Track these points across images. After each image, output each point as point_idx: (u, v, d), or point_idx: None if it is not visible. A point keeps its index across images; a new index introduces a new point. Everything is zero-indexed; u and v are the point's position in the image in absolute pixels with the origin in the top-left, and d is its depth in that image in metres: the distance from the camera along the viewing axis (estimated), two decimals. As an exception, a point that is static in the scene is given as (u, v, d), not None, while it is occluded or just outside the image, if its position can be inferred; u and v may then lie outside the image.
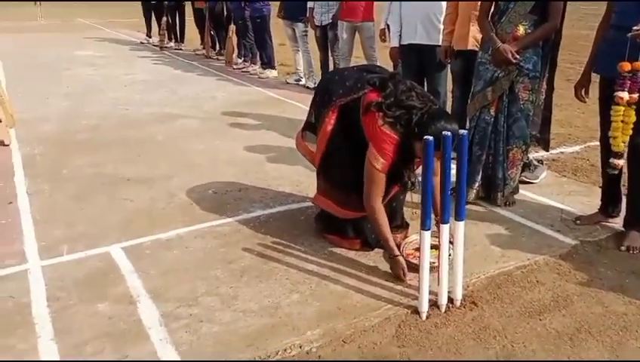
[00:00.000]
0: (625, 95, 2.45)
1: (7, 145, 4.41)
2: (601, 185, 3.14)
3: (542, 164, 3.66)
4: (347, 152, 2.62)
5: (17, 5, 18.86)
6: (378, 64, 5.50)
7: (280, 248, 2.79)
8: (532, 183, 3.52)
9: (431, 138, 2.04)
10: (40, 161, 4.14)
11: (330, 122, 2.61)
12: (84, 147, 4.49)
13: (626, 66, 2.42)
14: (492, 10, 3.06)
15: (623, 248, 2.70)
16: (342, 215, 2.72)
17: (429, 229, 2.13)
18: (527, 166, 3.54)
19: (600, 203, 2.98)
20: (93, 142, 4.64)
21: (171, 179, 3.74)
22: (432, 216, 2.23)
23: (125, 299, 2.36)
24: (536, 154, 3.72)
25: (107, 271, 2.60)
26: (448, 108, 4.20)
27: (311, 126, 2.79)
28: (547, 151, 3.51)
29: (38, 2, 16.25)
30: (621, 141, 2.53)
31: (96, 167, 4.02)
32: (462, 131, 2.09)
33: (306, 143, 2.82)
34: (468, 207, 3.16)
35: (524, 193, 3.37)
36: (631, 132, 2.52)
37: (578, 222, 2.94)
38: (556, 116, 4.92)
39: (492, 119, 3.08)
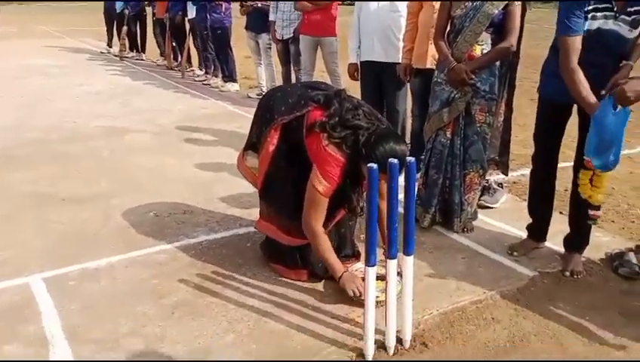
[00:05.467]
0: None
1: None
2: (562, 211, 3.04)
3: (502, 187, 3.53)
4: (291, 174, 2.43)
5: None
6: (341, 79, 5.40)
7: (220, 279, 2.56)
8: (491, 208, 3.38)
9: (375, 166, 1.86)
10: (-32, 178, 3.82)
11: (272, 142, 2.42)
12: (22, 162, 4.19)
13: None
14: (448, 28, 2.92)
15: (567, 273, 2.59)
16: (286, 242, 2.52)
17: (374, 265, 1.95)
18: (486, 189, 3.41)
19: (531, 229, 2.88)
20: (33, 156, 4.34)
21: (110, 200, 3.48)
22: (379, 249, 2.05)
23: (38, 340, 2.10)
24: (496, 176, 3.59)
25: (23, 306, 2.33)
26: (408, 128, 4.09)
27: (253, 145, 2.59)
28: (506, 175, 3.38)
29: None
30: (598, 194, 2.40)
31: (32, 184, 3.73)
32: (409, 158, 1.92)
33: (247, 164, 2.62)
34: (424, 233, 3.03)
35: (483, 218, 3.23)
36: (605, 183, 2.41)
37: (515, 253, 2.79)
38: (518, 136, 4.83)
39: (448, 142, 2.93)
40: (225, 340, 2.12)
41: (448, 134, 2.93)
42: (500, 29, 2.79)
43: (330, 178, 2.24)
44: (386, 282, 2.01)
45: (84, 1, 18.61)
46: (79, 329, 2.17)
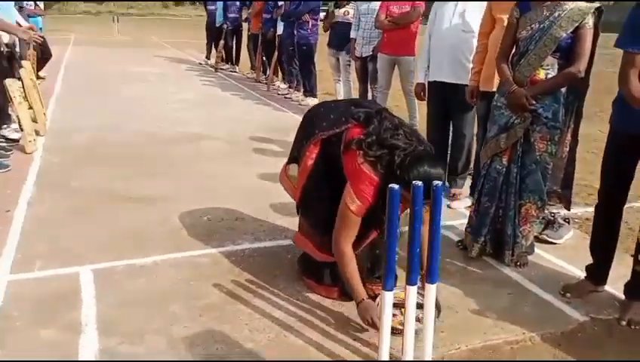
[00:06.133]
0: None
1: (29, 153, 4.51)
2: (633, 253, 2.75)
3: (568, 223, 3.27)
4: (327, 190, 2.41)
5: (100, 21, 20.09)
6: (415, 99, 5.28)
7: (252, 288, 2.59)
8: (554, 244, 3.14)
9: (396, 187, 1.80)
10: (55, 171, 4.18)
11: (310, 156, 2.42)
12: (104, 161, 4.51)
13: None
14: (513, 51, 2.77)
15: (623, 322, 2.34)
16: (319, 258, 2.49)
17: (390, 290, 1.87)
18: (550, 223, 3.18)
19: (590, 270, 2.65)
20: (114, 156, 4.66)
21: (172, 201, 3.65)
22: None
23: (72, 328, 2.23)
24: (564, 211, 3.33)
25: (69, 294, 2.49)
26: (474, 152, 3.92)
27: (295, 159, 2.61)
28: (568, 209, 3.12)
29: (116, 19, 17.23)
30: None
31: (107, 181, 4.00)
32: (435, 182, 1.83)
33: (289, 177, 2.64)
34: (470, 262, 2.89)
35: (541, 253, 3.01)
36: None
37: (568, 295, 2.57)
38: (596, 167, 4.47)
39: (504, 169, 2.77)
40: (242, 349, 2.13)
41: (504, 161, 2.77)
42: (567, 54, 2.60)
43: (363, 197, 2.19)
44: (405, 309, 1.93)
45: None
46: (111, 322, 2.28)
